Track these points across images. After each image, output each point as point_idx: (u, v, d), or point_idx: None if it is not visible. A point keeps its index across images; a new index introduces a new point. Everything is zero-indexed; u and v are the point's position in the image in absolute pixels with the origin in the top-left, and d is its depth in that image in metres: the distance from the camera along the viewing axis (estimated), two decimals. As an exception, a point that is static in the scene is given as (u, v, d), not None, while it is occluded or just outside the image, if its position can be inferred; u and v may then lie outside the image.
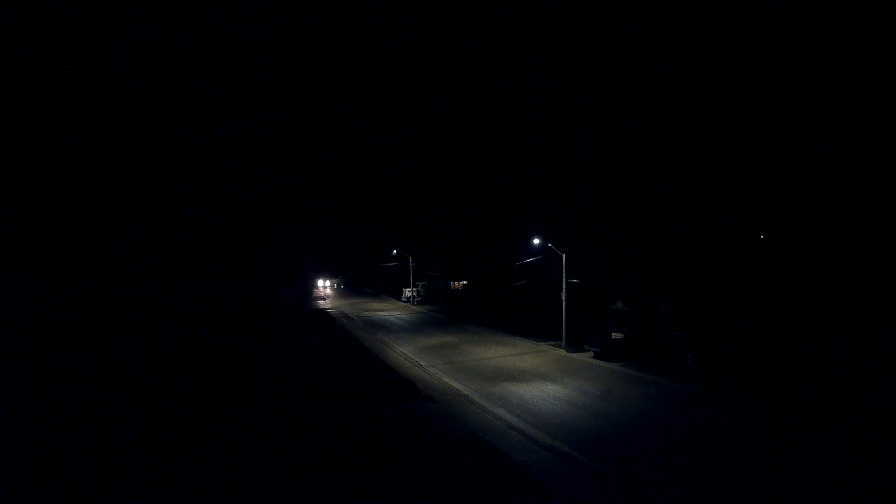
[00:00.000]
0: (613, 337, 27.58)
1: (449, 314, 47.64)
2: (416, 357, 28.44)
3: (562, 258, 30.17)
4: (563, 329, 29.93)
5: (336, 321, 43.58)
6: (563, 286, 30.07)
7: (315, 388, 21.42)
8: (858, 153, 24.51)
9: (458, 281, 58.81)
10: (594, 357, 27.33)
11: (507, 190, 56.31)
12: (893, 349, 19.92)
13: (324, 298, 64.96)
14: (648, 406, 19.09)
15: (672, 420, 17.55)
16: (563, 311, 30.09)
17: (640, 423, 17.20)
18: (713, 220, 30.24)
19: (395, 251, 62.37)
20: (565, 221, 41.01)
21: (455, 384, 22.63)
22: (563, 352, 28.99)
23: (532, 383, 22.44)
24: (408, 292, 58.20)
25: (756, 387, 20.58)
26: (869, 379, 19.69)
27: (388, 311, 51.58)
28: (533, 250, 35.15)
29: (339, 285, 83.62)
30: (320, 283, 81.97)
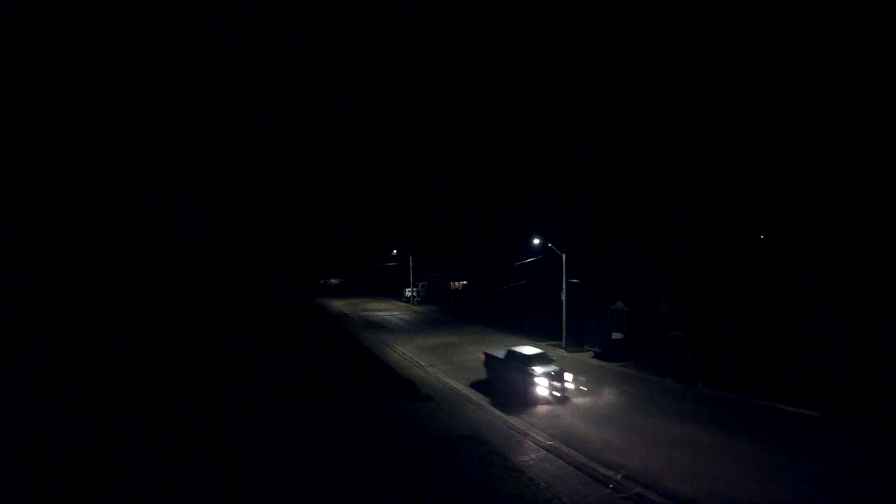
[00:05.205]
0: (613, 337, 27.60)
1: (449, 314, 47.66)
2: (416, 357, 28.46)
3: (562, 258, 30.19)
4: (563, 329, 29.93)
5: (336, 321, 43.59)
6: (563, 286, 30.08)
7: (315, 387, 21.46)
8: (859, 153, 24.53)
9: (458, 281, 58.83)
10: (594, 357, 27.34)
11: (507, 190, 56.31)
12: (893, 349, 19.95)
13: None
14: (648, 406, 19.13)
15: (672, 420, 17.57)
16: (563, 311, 30.09)
17: (640, 424, 17.23)
18: (713, 220, 30.25)
19: (395, 251, 62.38)
20: (565, 221, 41.01)
21: (455, 384, 22.65)
22: (563, 352, 29.00)
23: (532, 383, 22.42)
24: (408, 292, 58.27)
25: (756, 386, 20.61)
26: (869, 379, 19.71)
27: (388, 310, 51.56)
28: (533, 250, 35.18)
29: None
30: None
